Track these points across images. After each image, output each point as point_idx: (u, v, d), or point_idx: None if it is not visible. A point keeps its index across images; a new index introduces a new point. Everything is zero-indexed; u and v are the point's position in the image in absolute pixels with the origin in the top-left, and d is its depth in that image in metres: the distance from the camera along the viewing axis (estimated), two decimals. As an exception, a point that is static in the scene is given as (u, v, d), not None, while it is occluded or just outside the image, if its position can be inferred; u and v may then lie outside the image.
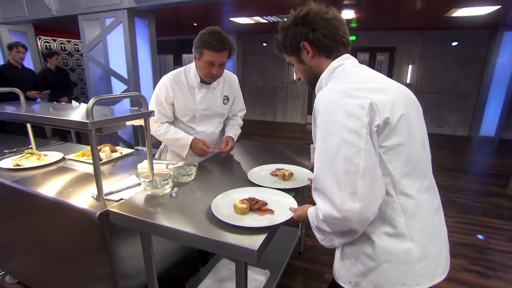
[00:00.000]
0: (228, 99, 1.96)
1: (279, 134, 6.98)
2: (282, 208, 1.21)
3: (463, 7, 4.59)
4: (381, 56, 7.24)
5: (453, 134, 7.02)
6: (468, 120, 6.87)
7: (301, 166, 1.71)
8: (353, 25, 6.40)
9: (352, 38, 7.20)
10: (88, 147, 2.05)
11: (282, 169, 1.63)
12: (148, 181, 1.34)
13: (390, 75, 7.21)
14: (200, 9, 5.02)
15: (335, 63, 0.99)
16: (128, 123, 1.59)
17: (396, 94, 0.90)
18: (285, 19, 1.05)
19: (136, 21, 4.41)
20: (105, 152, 1.91)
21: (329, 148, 0.81)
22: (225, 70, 1.89)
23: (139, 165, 1.70)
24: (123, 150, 2.08)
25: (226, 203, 1.23)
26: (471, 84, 6.67)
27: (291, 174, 1.56)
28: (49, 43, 6.92)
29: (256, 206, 1.21)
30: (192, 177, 1.53)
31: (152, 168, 1.52)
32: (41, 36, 6.69)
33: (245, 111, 2.13)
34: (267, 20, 5.98)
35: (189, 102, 1.82)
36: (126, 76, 4.51)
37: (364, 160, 0.78)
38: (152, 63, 4.77)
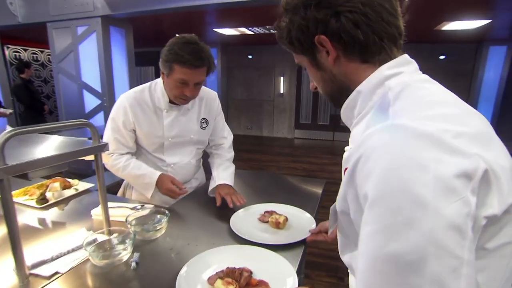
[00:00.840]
0: (207, 123, 1.56)
1: (266, 149, 6.63)
2: (278, 277, 0.89)
3: (454, 21, 4.45)
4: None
5: None
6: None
7: (299, 207, 1.38)
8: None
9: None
10: (41, 181, 1.64)
11: (273, 212, 1.30)
12: (94, 247, 0.95)
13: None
14: (182, 18, 4.67)
15: (386, 69, 0.58)
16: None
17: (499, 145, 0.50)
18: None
19: (111, 30, 4.02)
20: (52, 191, 1.49)
21: (397, 252, 0.40)
22: (204, 88, 1.53)
23: (93, 212, 1.30)
24: (80, 185, 1.67)
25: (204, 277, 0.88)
26: (460, 98, 6.55)
27: (286, 219, 1.23)
28: (19, 52, 6.39)
29: (243, 281, 0.85)
30: (162, 232, 1.15)
31: (107, 220, 1.12)
32: (9, 45, 6.17)
33: (232, 137, 1.74)
34: (253, 31, 5.71)
35: (156, 128, 1.43)
36: (100, 90, 4.08)
37: (466, 285, 0.38)
38: (129, 76, 4.36)
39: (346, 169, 0.53)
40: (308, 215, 1.31)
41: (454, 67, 6.47)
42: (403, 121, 0.46)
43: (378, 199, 0.42)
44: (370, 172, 0.44)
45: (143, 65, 8.24)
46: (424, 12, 4.06)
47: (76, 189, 1.62)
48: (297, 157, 5.96)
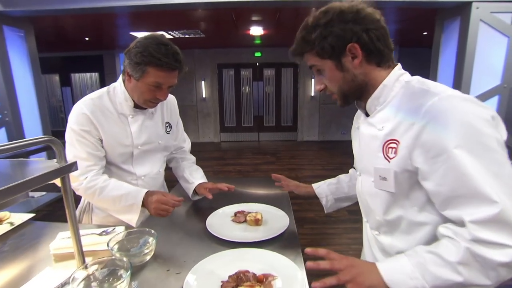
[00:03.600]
0: (170, 127, 1.45)
1: (196, 155, 6.35)
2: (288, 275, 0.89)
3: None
4: (286, 71, 7.48)
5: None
6: (364, 126, 7.64)
7: (264, 203, 1.41)
8: (258, 41, 6.43)
9: (258, 54, 7.32)
10: None
11: (244, 211, 1.30)
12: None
13: (296, 88, 7.51)
14: (91, 20, 4.20)
15: (398, 70, 0.81)
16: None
17: None
18: (316, 15, 0.83)
19: (6, 31, 3.36)
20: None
21: (500, 167, 0.63)
22: None
23: (53, 246, 1.05)
24: (13, 218, 1.33)
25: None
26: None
27: (261, 216, 1.25)
28: None
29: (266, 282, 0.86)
30: (151, 254, 0.99)
31: (80, 252, 0.92)
32: None
33: (189, 142, 1.67)
34: (172, 35, 5.47)
35: (122, 136, 1.26)
36: (-4, 103, 3.36)
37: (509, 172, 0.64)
38: (36, 85, 3.71)
39: (389, 140, 0.76)
40: (279, 211, 1.34)
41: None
42: (450, 93, 0.69)
43: (463, 142, 0.63)
44: (445, 128, 0.64)
45: (46, 72, 7.10)
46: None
47: (12, 223, 1.29)
48: (228, 160, 5.95)
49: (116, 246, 0.97)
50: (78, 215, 1.33)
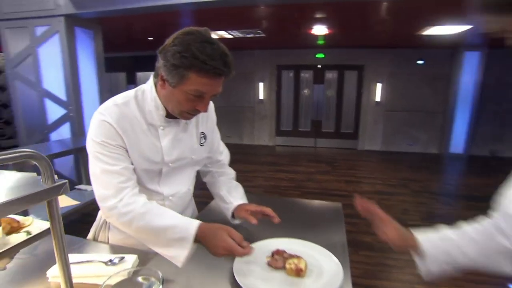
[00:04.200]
0: (205, 138, 1.19)
1: (248, 158, 6.31)
2: None
3: (436, 25, 4.37)
4: (349, 74, 6.96)
5: (423, 152, 6.85)
6: (437, 137, 6.75)
7: (312, 235, 1.11)
8: (321, 42, 6.05)
9: (320, 55, 6.93)
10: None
11: (284, 252, 1.00)
12: None
13: (359, 93, 6.94)
14: (155, 21, 4.27)
15: None
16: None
17: None
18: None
19: (77, 32, 3.55)
20: (-9, 239, 1.07)
21: None
22: None
23: (50, 273, 0.91)
24: (35, 226, 1.25)
25: None
26: (438, 102, 6.59)
27: (306, 264, 0.95)
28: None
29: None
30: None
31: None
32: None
33: (228, 153, 1.41)
34: (232, 35, 5.39)
35: (150, 151, 1.02)
36: (64, 98, 3.58)
37: None
38: (99, 82, 3.89)
39: None
40: (328, 254, 1.03)
41: (431, 71, 6.49)
42: None
43: None
44: None
45: (114, 71, 7.67)
46: (409, 17, 3.95)
47: (29, 232, 1.20)
48: (281, 166, 5.67)
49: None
50: (94, 232, 1.18)
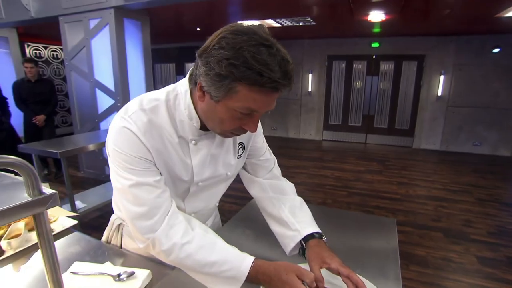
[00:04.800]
0: (243, 148, 0.99)
1: (293, 152, 6.09)
2: None
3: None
4: (408, 65, 6.33)
5: (492, 153, 6.03)
6: (511, 138, 5.88)
7: (364, 270, 0.88)
8: (376, 30, 5.55)
9: (375, 45, 6.39)
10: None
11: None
12: None
13: (418, 86, 6.30)
14: (203, 10, 4.21)
15: None
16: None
17: None
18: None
19: (125, 23, 3.62)
20: (10, 237, 1.04)
21: None
22: None
23: (64, 277, 0.83)
24: (59, 223, 1.22)
25: None
26: (517, 97, 5.71)
27: None
28: (39, 50, 6.19)
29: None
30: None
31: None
32: (30, 43, 5.96)
33: (277, 162, 1.12)
34: (280, 23, 5.16)
35: (179, 168, 0.85)
36: (113, 89, 3.70)
37: None
38: (146, 73, 3.95)
39: None
40: None
41: (508, 61, 5.62)
42: None
43: None
44: None
45: (164, 62, 7.90)
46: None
47: (52, 230, 1.17)
48: (327, 163, 5.38)
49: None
50: (106, 238, 1.10)
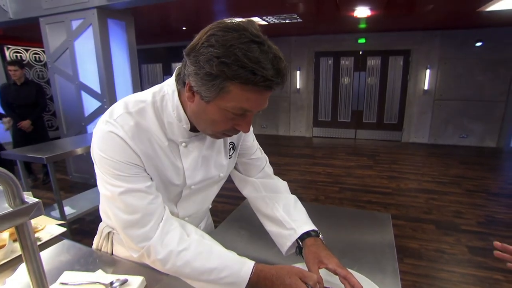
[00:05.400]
0: (234, 148, 0.97)
1: (283, 150, 6.10)
2: None
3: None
4: (394, 60, 6.40)
5: (479, 145, 6.16)
6: (496, 129, 6.02)
7: (360, 265, 0.88)
8: (363, 25, 5.59)
9: (362, 40, 6.44)
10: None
11: None
12: None
13: (405, 80, 6.38)
14: (188, 9, 4.15)
15: None
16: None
17: None
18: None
19: (109, 23, 3.54)
20: (-5, 247, 0.99)
21: None
22: None
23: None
24: (46, 231, 1.17)
25: None
26: (499, 90, 5.84)
27: None
28: (20, 53, 6.02)
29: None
30: None
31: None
32: (9, 46, 5.79)
33: (268, 161, 1.09)
34: (266, 21, 5.14)
35: (170, 172, 0.82)
36: (99, 91, 3.62)
37: None
38: (132, 73, 3.88)
39: None
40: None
41: (492, 55, 5.73)
42: None
43: None
44: None
45: (151, 62, 7.79)
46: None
47: (39, 239, 1.13)
48: (318, 159, 5.40)
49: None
50: (97, 243, 1.06)
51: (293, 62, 7.06)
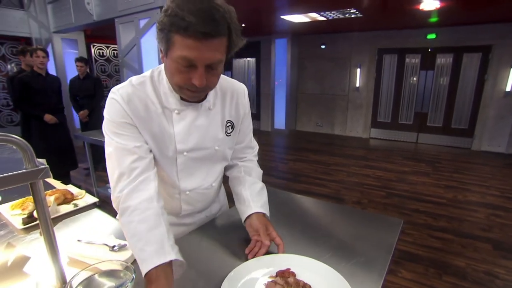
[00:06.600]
0: (232, 127, 1.07)
1: (336, 150, 5.93)
2: None
3: None
4: (469, 57, 5.74)
5: None
6: None
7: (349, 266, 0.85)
8: (433, 19, 5.13)
9: (431, 36, 5.90)
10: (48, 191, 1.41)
11: (290, 274, 0.82)
12: None
13: (481, 81, 5.68)
14: (247, 6, 4.29)
15: None
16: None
17: None
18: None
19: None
20: (41, 208, 1.23)
21: None
22: (229, 79, 1.07)
23: (67, 250, 0.97)
24: (84, 199, 1.39)
25: None
26: None
27: None
28: (102, 50, 6.87)
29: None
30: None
31: (60, 278, 0.77)
32: (95, 44, 6.65)
33: (257, 149, 1.25)
34: (325, 17, 5.05)
35: (163, 137, 0.94)
36: (159, 84, 3.98)
37: None
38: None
39: None
40: (343, 281, 0.78)
41: None
42: None
43: None
44: None
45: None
46: None
47: (76, 205, 1.35)
48: (371, 161, 5.15)
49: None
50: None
51: (354, 59, 6.80)
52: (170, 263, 0.75)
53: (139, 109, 0.89)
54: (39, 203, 0.76)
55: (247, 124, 1.13)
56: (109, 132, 0.88)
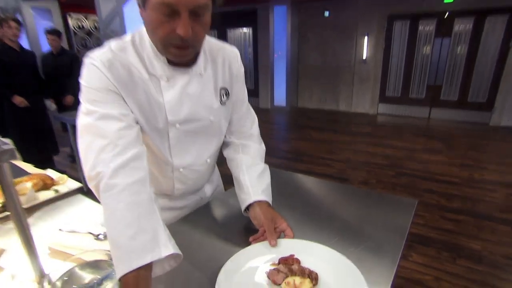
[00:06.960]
0: (227, 94, 1.03)
1: (341, 127, 5.90)
2: None
3: None
4: (493, 21, 5.57)
5: None
6: None
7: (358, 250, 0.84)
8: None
9: (448, 0, 5.73)
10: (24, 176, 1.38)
11: (294, 261, 0.80)
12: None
13: (505, 48, 5.54)
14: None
15: None
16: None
17: None
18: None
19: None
20: (19, 193, 1.19)
21: None
22: (219, 43, 1.01)
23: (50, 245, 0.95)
24: (66, 185, 1.37)
25: None
26: None
27: (314, 281, 0.74)
28: (82, 21, 6.68)
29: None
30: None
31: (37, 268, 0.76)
32: (72, 14, 6.45)
33: (257, 122, 1.18)
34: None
35: (152, 107, 0.89)
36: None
37: None
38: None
39: None
40: (352, 267, 0.76)
41: None
42: None
43: None
44: None
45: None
46: None
47: (56, 191, 1.32)
48: (378, 139, 5.13)
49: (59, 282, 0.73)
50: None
51: (360, 28, 6.65)
52: (150, 267, 0.68)
53: (122, 76, 0.83)
54: (7, 189, 0.73)
55: (240, 87, 1.08)
56: (87, 100, 0.80)
